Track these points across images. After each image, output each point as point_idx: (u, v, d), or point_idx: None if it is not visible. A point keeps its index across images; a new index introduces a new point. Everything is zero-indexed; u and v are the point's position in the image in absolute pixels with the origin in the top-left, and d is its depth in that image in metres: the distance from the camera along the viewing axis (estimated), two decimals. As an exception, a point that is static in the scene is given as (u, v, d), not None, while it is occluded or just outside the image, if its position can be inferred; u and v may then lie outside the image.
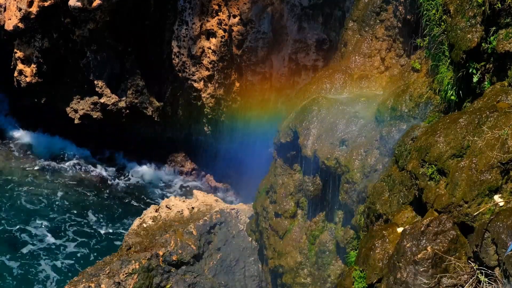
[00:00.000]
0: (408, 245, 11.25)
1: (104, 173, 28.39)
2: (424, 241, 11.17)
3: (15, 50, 26.45)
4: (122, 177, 28.30)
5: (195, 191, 22.54)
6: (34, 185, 27.40)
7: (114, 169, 28.62)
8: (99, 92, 26.66)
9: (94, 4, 24.18)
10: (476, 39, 12.71)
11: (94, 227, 25.42)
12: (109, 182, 27.97)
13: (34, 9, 25.23)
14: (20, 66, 26.59)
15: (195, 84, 25.17)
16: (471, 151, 11.50)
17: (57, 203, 26.53)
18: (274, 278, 18.57)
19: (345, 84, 17.60)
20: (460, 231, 11.20)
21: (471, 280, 10.59)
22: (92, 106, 27.12)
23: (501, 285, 10.09)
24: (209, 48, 24.36)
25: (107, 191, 27.49)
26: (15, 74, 26.75)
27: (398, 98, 15.08)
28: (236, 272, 20.06)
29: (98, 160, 28.95)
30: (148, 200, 26.99)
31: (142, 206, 26.49)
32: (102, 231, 25.24)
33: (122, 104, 26.85)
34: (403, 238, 11.42)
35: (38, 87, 26.93)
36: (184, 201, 21.70)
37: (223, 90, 24.86)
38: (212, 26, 24.04)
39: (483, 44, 12.69)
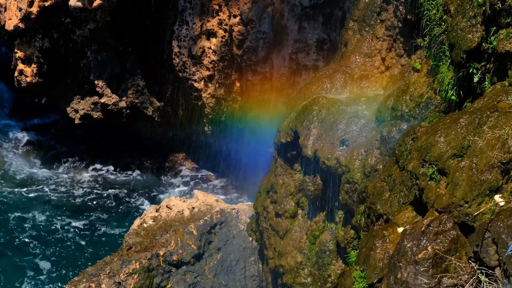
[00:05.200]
0: (408, 245, 11.25)
1: (104, 173, 28.40)
2: (424, 241, 11.17)
3: (16, 50, 26.45)
4: (122, 177, 28.30)
5: (195, 191, 22.54)
6: (32, 183, 27.45)
7: (113, 168, 28.61)
8: (99, 92, 26.67)
9: (95, 4, 24.19)
10: (476, 39, 12.71)
11: (94, 226, 25.43)
12: (108, 181, 27.98)
13: (34, 9, 25.23)
14: (20, 66, 26.59)
15: (196, 84, 25.17)
16: (471, 151, 11.50)
17: (56, 201, 26.56)
18: (275, 278, 18.56)
19: (345, 84, 17.59)
20: (461, 231, 11.20)
21: (471, 280, 10.59)
22: (92, 106, 27.13)
23: (502, 285, 10.09)
24: (210, 48, 24.36)
25: (107, 190, 27.49)
26: (16, 74, 26.75)
27: (398, 98, 15.08)
28: (236, 272, 20.05)
29: (97, 159, 28.95)
30: (148, 200, 27.00)
31: (142, 206, 26.50)
32: (102, 231, 25.24)
33: (122, 104, 26.86)
34: (404, 238, 11.42)
35: (38, 87, 26.94)
36: (184, 201, 21.69)
37: (224, 90, 24.87)
38: (213, 26, 24.05)
39: (483, 44, 12.69)
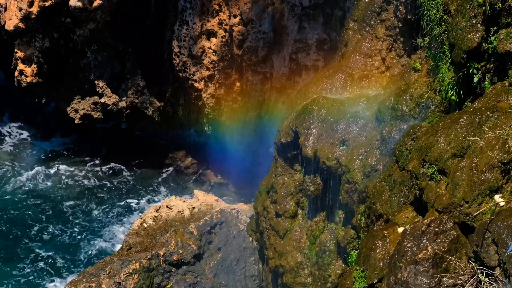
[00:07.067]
0: (408, 245, 11.25)
1: (103, 172, 28.40)
2: (424, 241, 11.17)
3: (16, 50, 26.45)
4: (122, 176, 28.31)
5: (195, 191, 22.55)
6: (31, 181, 27.48)
7: (113, 167, 28.62)
8: (99, 92, 26.67)
9: (95, 4, 24.19)
10: (476, 39, 12.70)
11: (94, 226, 25.43)
12: (108, 180, 27.98)
13: (34, 9, 25.23)
14: (20, 66, 26.59)
15: (196, 84, 25.18)
16: (471, 151, 11.50)
17: (56, 201, 26.56)
18: (275, 278, 18.57)
19: (345, 84, 17.60)
20: (461, 231, 11.20)
21: (471, 280, 10.59)
22: (92, 106, 27.13)
23: (502, 285, 10.09)
24: (210, 48, 24.37)
25: (106, 189, 27.50)
26: (16, 74, 26.75)
27: (398, 98, 15.08)
28: (236, 272, 20.07)
29: (97, 158, 28.96)
30: (148, 200, 27.01)
31: (142, 206, 26.51)
32: (102, 230, 25.25)
33: (122, 104, 26.86)
34: (404, 238, 11.42)
35: (38, 87, 26.94)
36: (184, 201, 21.71)
37: (224, 90, 24.87)
38: (213, 26, 24.05)
39: (483, 44, 12.68)
